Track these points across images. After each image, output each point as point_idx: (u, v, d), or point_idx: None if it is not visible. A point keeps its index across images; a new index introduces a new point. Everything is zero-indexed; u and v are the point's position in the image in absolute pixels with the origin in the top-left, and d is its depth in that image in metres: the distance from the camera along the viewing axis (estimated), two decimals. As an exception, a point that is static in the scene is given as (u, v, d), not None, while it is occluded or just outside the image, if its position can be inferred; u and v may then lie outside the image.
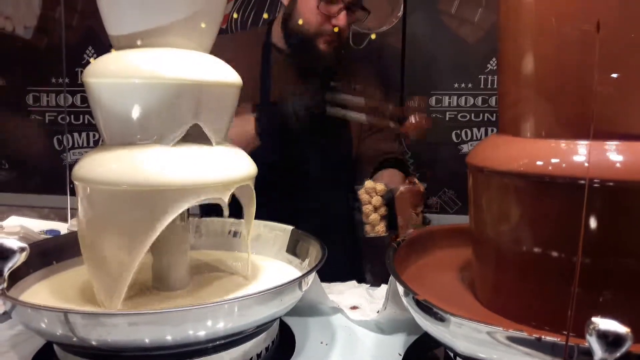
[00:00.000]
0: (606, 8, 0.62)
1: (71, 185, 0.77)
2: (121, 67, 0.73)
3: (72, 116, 2.09)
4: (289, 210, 1.24)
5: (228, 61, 0.81)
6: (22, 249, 0.59)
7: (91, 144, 2.09)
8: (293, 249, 0.99)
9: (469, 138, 1.86)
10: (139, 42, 0.76)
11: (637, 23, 0.62)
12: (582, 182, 0.61)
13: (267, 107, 1.37)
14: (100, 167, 0.73)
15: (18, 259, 0.59)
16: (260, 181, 0.84)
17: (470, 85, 1.84)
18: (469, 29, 1.83)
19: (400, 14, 1.86)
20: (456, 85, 1.85)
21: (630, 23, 0.62)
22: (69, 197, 1.64)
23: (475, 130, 1.85)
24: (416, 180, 1.15)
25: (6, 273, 0.59)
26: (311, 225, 0.99)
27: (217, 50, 0.84)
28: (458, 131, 1.87)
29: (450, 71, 1.85)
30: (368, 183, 1.14)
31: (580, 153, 0.64)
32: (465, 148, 1.87)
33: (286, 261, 0.99)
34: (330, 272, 0.91)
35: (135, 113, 0.73)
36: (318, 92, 1.39)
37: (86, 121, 2.09)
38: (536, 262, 0.67)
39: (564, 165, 0.64)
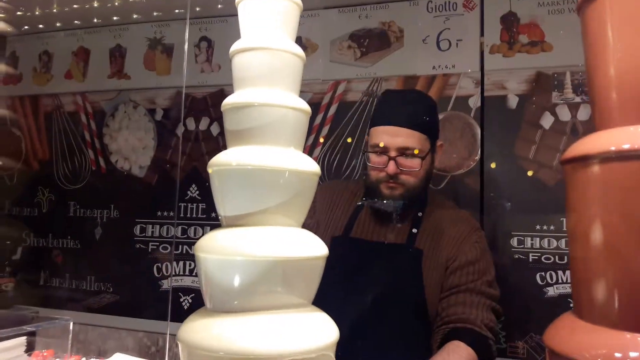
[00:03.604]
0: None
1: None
2: (225, 245, 0.84)
3: (173, 245, 2.30)
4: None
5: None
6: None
7: (187, 272, 2.26)
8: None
9: (554, 281, 1.82)
10: (243, 221, 0.88)
11: None
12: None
13: (346, 240, 1.51)
14: (201, 332, 0.83)
15: None
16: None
17: (552, 227, 1.84)
18: (548, 173, 1.87)
19: (477, 157, 1.94)
20: (538, 227, 1.86)
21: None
22: (169, 325, 1.74)
23: (560, 273, 1.81)
24: None
25: None
26: None
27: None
28: (542, 273, 1.84)
29: (531, 213, 1.87)
30: None
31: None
32: (551, 291, 1.82)
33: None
34: None
35: (235, 284, 0.83)
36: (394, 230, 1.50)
37: (184, 251, 2.29)
38: None
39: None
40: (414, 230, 1.49)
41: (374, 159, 1.47)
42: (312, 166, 0.91)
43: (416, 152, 1.44)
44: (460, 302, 1.39)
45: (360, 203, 1.58)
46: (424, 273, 1.44)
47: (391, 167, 1.43)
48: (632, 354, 0.66)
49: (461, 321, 1.36)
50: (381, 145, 1.45)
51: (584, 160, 0.74)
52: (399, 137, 1.44)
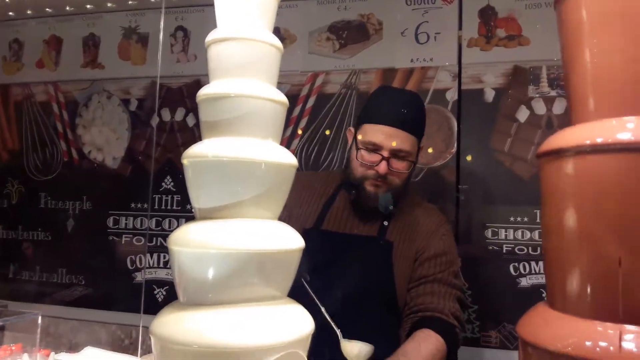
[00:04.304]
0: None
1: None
2: (199, 238, 0.83)
3: (147, 237, 2.26)
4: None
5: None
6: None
7: (161, 264, 2.23)
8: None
9: (527, 271, 1.85)
10: (217, 214, 0.87)
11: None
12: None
13: (317, 232, 1.50)
14: (174, 325, 0.81)
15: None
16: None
17: (526, 219, 1.87)
18: (523, 166, 1.89)
19: (454, 150, 1.96)
20: (512, 218, 1.88)
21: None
22: (142, 317, 1.72)
23: (533, 264, 1.85)
24: None
25: None
26: None
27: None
28: (516, 264, 1.86)
29: (506, 205, 1.89)
30: None
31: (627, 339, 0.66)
32: (524, 281, 1.85)
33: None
34: None
35: (209, 277, 0.82)
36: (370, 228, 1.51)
37: (158, 243, 2.26)
38: None
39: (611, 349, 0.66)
40: (385, 223, 1.51)
41: (366, 155, 1.46)
42: (289, 158, 0.91)
43: (408, 155, 1.46)
44: (429, 292, 1.43)
45: (332, 196, 1.59)
46: (394, 264, 1.47)
47: (382, 167, 1.43)
48: (602, 343, 0.67)
49: (430, 310, 1.40)
50: (376, 143, 1.44)
51: (559, 153, 0.75)
52: (396, 139, 1.44)
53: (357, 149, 1.48)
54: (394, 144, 1.43)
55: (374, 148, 1.45)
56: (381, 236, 1.50)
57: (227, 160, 0.85)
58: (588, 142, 0.72)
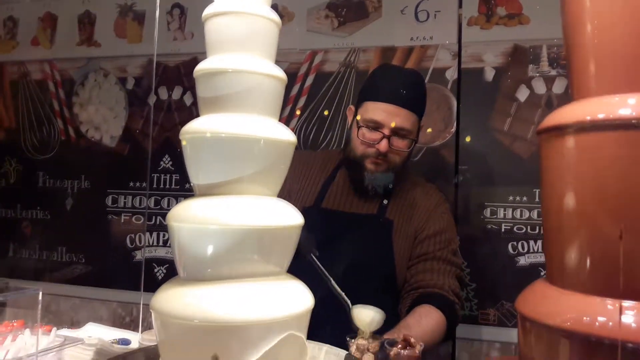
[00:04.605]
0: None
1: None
2: (198, 214, 0.83)
3: (146, 216, 2.27)
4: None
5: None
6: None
7: (160, 243, 2.24)
8: (346, 376, 1.02)
9: (525, 250, 1.86)
10: (216, 190, 0.86)
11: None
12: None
13: (317, 210, 1.51)
14: (175, 300, 0.82)
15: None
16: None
17: (525, 198, 1.87)
18: (523, 145, 1.89)
19: (453, 129, 1.95)
20: (511, 198, 1.88)
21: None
22: (142, 295, 1.73)
23: (532, 242, 1.85)
24: (412, 340, 1.07)
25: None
26: None
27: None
28: (514, 243, 1.87)
29: (505, 184, 1.89)
30: (360, 340, 1.10)
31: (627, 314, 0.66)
32: (522, 260, 1.86)
33: (339, 387, 1.01)
34: None
35: (209, 253, 0.82)
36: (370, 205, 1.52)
37: (158, 222, 2.26)
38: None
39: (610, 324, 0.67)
40: (385, 202, 1.51)
41: (366, 133, 1.46)
42: (288, 135, 0.90)
43: (409, 133, 1.45)
44: (428, 269, 1.44)
45: (331, 174, 1.59)
46: (394, 242, 1.48)
47: (383, 145, 1.43)
48: (601, 318, 0.68)
49: (430, 287, 1.41)
50: (378, 121, 1.43)
51: (560, 129, 0.75)
52: (398, 117, 1.43)
53: (358, 127, 1.47)
54: (396, 121, 1.42)
55: (375, 126, 1.44)
56: (381, 214, 1.50)
57: (225, 137, 0.84)
58: (589, 118, 0.72)
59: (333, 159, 1.63)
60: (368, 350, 1.09)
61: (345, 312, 1.15)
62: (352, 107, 1.57)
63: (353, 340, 1.11)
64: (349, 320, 1.14)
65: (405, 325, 1.29)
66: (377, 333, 1.13)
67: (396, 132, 1.44)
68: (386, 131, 1.43)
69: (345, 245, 1.44)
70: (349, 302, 1.17)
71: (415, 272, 1.45)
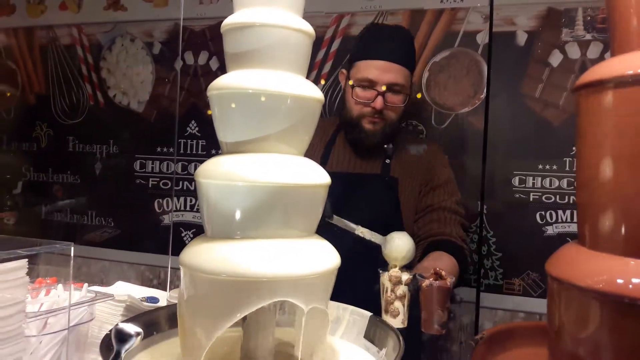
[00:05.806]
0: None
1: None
2: (227, 170, 0.83)
3: (173, 181, 2.30)
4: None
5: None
6: (137, 333, 0.68)
7: (187, 207, 2.27)
8: (370, 335, 1.02)
9: (553, 220, 1.82)
10: (244, 148, 0.86)
11: None
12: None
13: None
14: (203, 255, 0.83)
15: (134, 342, 0.68)
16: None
17: (555, 167, 1.82)
18: (554, 112, 1.83)
19: (483, 96, 1.90)
20: (540, 166, 1.84)
21: None
22: (170, 258, 1.77)
23: (560, 212, 1.82)
24: (443, 273, 1.09)
25: (123, 354, 0.68)
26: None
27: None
28: (542, 212, 1.84)
29: (534, 152, 1.85)
30: (393, 271, 1.13)
31: (662, 275, 0.65)
32: (550, 230, 1.83)
33: (364, 347, 1.02)
34: None
35: (237, 210, 0.82)
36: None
37: (185, 187, 2.28)
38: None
39: (645, 285, 0.65)
40: (387, 161, 1.57)
41: (360, 93, 1.49)
42: (315, 92, 0.88)
43: (402, 88, 1.49)
44: (435, 219, 1.51)
45: (331, 139, 1.63)
46: (401, 200, 1.53)
47: (379, 102, 1.47)
48: (635, 280, 0.66)
49: (438, 235, 1.46)
50: (371, 79, 1.47)
51: (599, 85, 0.72)
52: (390, 72, 1.47)
53: (352, 87, 1.50)
54: (389, 77, 1.46)
55: (369, 84, 1.48)
56: (386, 173, 1.55)
57: (252, 92, 0.83)
58: (630, 72, 0.68)
59: (331, 124, 1.67)
60: (401, 282, 1.11)
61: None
62: (344, 71, 1.61)
63: (386, 272, 1.12)
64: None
65: (422, 268, 1.30)
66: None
67: (390, 88, 1.47)
68: (380, 88, 1.46)
69: (353, 205, 1.46)
70: (379, 240, 1.20)
71: (423, 223, 1.51)
